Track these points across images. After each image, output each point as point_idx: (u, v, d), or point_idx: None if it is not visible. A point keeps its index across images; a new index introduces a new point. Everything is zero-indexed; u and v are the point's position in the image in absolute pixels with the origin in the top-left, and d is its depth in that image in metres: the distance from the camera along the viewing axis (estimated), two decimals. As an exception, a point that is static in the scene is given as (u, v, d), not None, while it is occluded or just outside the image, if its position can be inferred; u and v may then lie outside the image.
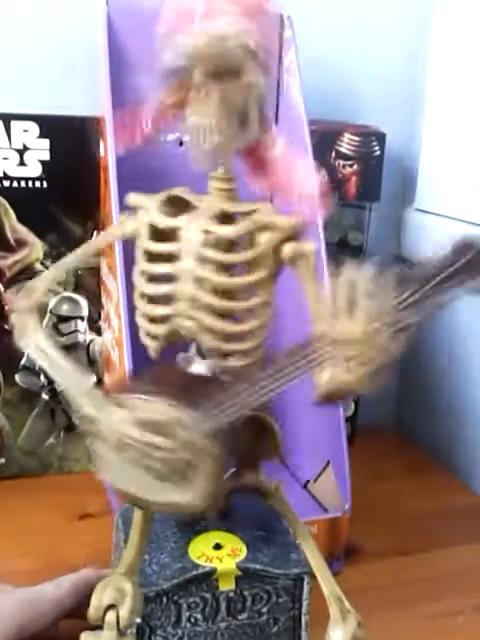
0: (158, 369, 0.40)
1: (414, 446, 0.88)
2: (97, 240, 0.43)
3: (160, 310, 0.39)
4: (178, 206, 0.39)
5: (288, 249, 0.38)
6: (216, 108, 0.36)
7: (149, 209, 0.39)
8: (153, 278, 0.39)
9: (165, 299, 0.39)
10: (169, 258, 0.39)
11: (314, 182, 0.39)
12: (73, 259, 0.43)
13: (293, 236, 0.39)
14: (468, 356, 0.80)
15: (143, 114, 0.39)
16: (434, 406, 0.86)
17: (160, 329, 0.39)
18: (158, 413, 0.35)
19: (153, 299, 0.40)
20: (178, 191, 0.40)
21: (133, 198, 0.41)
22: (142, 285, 0.40)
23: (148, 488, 0.36)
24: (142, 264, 0.40)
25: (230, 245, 0.39)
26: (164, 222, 0.39)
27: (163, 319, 0.39)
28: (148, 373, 0.40)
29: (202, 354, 0.40)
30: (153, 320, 0.40)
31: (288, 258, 0.38)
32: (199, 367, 0.40)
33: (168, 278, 0.39)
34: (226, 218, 0.39)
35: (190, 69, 0.36)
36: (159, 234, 0.39)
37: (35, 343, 0.40)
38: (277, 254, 0.39)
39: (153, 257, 0.39)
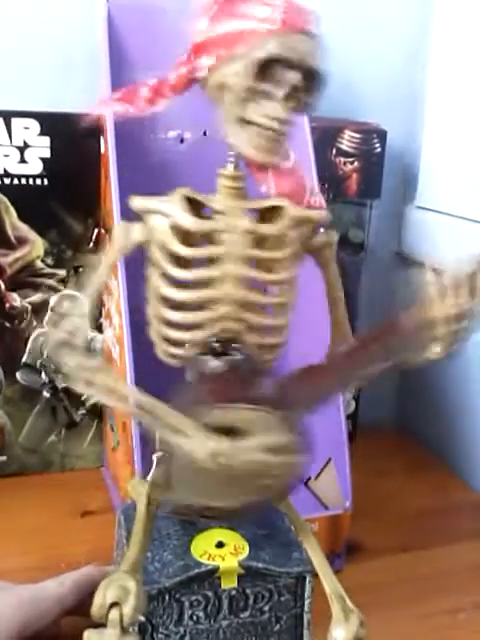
0: (198, 379, 0.40)
1: (414, 444, 0.88)
2: (108, 258, 0.40)
3: (198, 315, 0.38)
4: (190, 206, 0.39)
5: (317, 239, 0.40)
6: (291, 106, 0.37)
7: (168, 212, 0.38)
8: (186, 284, 0.38)
9: (203, 304, 0.38)
10: (205, 262, 0.38)
11: (318, 199, 0.41)
12: (95, 282, 0.40)
13: (317, 229, 0.40)
14: (468, 354, 0.80)
15: (144, 84, 0.39)
16: (434, 404, 0.86)
17: (194, 335, 0.39)
18: (274, 433, 0.37)
19: (188, 306, 0.38)
20: (186, 191, 0.39)
21: (139, 202, 0.39)
22: (171, 292, 0.38)
23: (233, 497, 0.37)
24: (169, 269, 0.38)
25: (266, 243, 0.39)
26: (197, 225, 0.38)
27: (201, 325, 0.38)
28: (192, 386, 0.40)
29: (214, 353, 0.40)
30: (186, 327, 0.38)
31: (317, 248, 0.40)
32: (215, 364, 0.40)
33: (202, 282, 0.38)
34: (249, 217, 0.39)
35: (279, 65, 0.36)
36: (186, 237, 0.38)
37: (109, 387, 0.37)
38: (305, 247, 0.40)
39: (183, 262, 0.38)
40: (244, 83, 0.36)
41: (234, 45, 0.36)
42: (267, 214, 0.39)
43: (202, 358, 0.40)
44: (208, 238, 0.38)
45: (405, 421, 0.92)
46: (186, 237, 0.38)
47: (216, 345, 0.40)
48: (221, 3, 0.37)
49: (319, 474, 0.64)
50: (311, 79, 0.37)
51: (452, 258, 0.38)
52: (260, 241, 0.38)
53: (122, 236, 0.40)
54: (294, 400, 0.38)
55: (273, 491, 0.38)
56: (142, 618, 0.39)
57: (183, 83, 0.39)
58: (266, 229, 0.38)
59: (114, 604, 0.36)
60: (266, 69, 0.36)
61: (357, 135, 0.76)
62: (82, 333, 0.39)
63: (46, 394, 0.73)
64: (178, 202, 0.38)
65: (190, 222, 0.38)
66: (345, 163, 0.76)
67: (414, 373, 0.89)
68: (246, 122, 0.37)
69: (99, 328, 0.72)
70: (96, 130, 0.66)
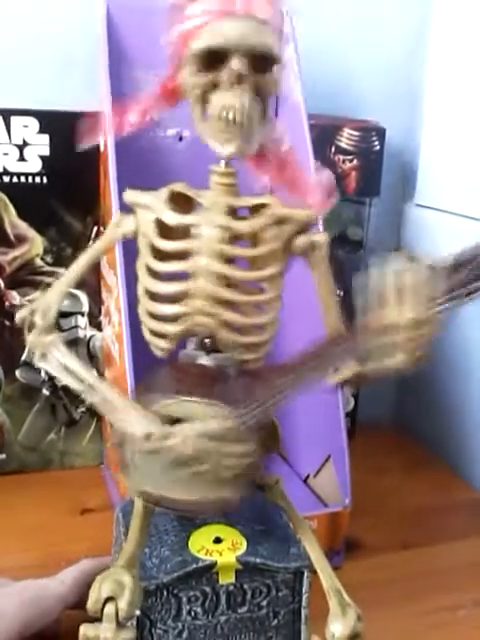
0: (170, 367, 0.41)
1: (413, 441, 0.88)
2: (98, 245, 0.42)
3: (173, 308, 0.39)
4: (181, 202, 0.39)
5: (301, 241, 0.39)
6: (248, 94, 0.36)
7: (153, 206, 0.39)
8: (164, 276, 0.39)
9: (178, 297, 0.39)
10: (181, 255, 0.38)
11: (325, 177, 0.40)
12: (78, 269, 0.41)
13: (306, 228, 0.39)
14: (467, 351, 0.80)
15: (136, 102, 0.39)
16: (433, 401, 0.86)
17: (173, 328, 0.39)
18: (215, 421, 0.36)
19: (165, 298, 0.39)
20: (178, 187, 0.39)
21: (131, 195, 0.40)
22: (151, 284, 0.39)
23: (189, 490, 0.37)
24: (150, 262, 0.39)
25: (239, 240, 0.39)
26: (175, 219, 0.38)
27: (176, 317, 0.39)
28: (163, 371, 0.40)
29: (205, 349, 0.40)
30: (164, 319, 0.39)
31: (301, 250, 0.39)
32: (203, 362, 0.40)
33: (180, 276, 0.39)
34: (234, 213, 0.39)
35: (225, 54, 0.35)
36: (168, 231, 0.39)
37: (60, 363, 0.39)
38: (289, 247, 0.39)
39: (163, 255, 0.39)
40: (194, 81, 0.37)
41: (184, 47, 0.36)
42: (255, 211, 0.39)
43: (192, 354, 0.41)
44: (187, 233, 0.38)
45: (404, 418, 0.92)
46: (167, 231, 0.39)
47: (207, 341, 0.40)
48: (176, 8, 0.37)
49: (318, 471, 0.64)
50: (261, 60, 0.36)
51: (419, 259, 0.36)
52: (236, 238, 0.38)
53: (113, 226, 0.41)
54: (251, 398, 0.38)
55: (225, 488, 0.38)
56: (138, 612, 0.39)
57: (167, 97, 0.39)
58: (240, 225, 0.38)
59: (109, 599, 0.36)
60: (210, 62, 0.36)
61: (356, 133, 0.76)
62: (47, 312, 0.40)
63: (45, 392, 0.73)
64: (164, 197, 0.39)
65: (169, 217, 0.38)
66: (344, 161, 0.76)
67: (412, 371, 0.89)
68: (206, 118, 0.37)
69: (98, 326, 0.72)
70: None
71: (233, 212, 0.39)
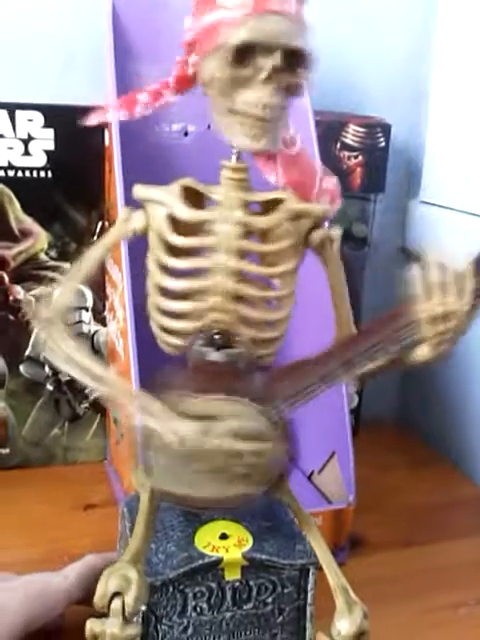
0: (183, 365, 0.40)
1: (417, 439, 0.88)
2: (107, 240, 0.41)
3: (188, 305, 0.39)
4: (191, 197, 0.39)
5: (317, 235, 0.39)
6: (281, 92, 0.36)
7: (166, 202, 0.38)
8: (180, 273, 0.39)
9: (192, 294, 0.38)
10: (197, 251, 0.38)
11: (331, 180, 0.40)
12: (87, 264, 0.41)
13: (321, 223, 0.40)
14: (469, 349, 0.80)
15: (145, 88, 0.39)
16: (436, 399, 0.86)
17: (188, 325, 0.39)
18: (245, 420, 0.36)
19: (178, 294, 0.39)
20: (188, 182, 0.39)
21: (141, 191, 0.40)
22: (164, 280, 0.39)
23: (210, 487, 0.37)
24: (163, 258, 0.39)
25: (261, 235, 0.39)
26: (190, 215, 0.38)
27: (191, 314, 0.39)
28: (177, 370, 0.40)
29: (215, 345, 0.40)
30: (179, 316, 0.39)
31: (317, 243, 0.39)
32: (215, 356, 0.40)
33: (193, 272, 0.38)
34: (247, 208, 0.39)
35: (255, 50, 0.35)
36: (180, 227, 0.38)
37: (65, 355, 0.39)
38: (305, 242, 0.39)
39: (177, 251, 0.38)
40: (224, 74, 0.36)
41: (213, 38, 0.36)
42: (269, 206, 0.39)
43: (202, 350, 0.40)
44: (202, 229, 0.38)
45: (407, 416, 0.92)
46: (181, 227, 0.38)
47: (217, 337, 0.40)
48: None
49: (322, 468, 0.64)
50: (293, 59, 0.36)
51: (445, 255, 0.37)
52: (253, 233, 0.38)
53: (122, 221, 0.40)
54: (278, 395, 0.38)
55: (250, 484, 0.38)
56: (144, 608, 0.39)
57: (181, 83, 0.39)
58: (258, 221, 0.38)
59: (116, 594, 0.36)
60: (244, 56, 0.36)
61: (361, 129, 0.76)
62: (58, 307, 0.40)
63: (49, 387, 0.73)
64: (176, 192, 0.38)
65: (183, 212, 0.38)
66: (349, 157, 0.76)
67: (417, 368, 0.89)
68: (233, 112, 0.37)
69: (102, 321, 0.72)
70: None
71: (246, 207, 0.39)
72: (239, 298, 0.38)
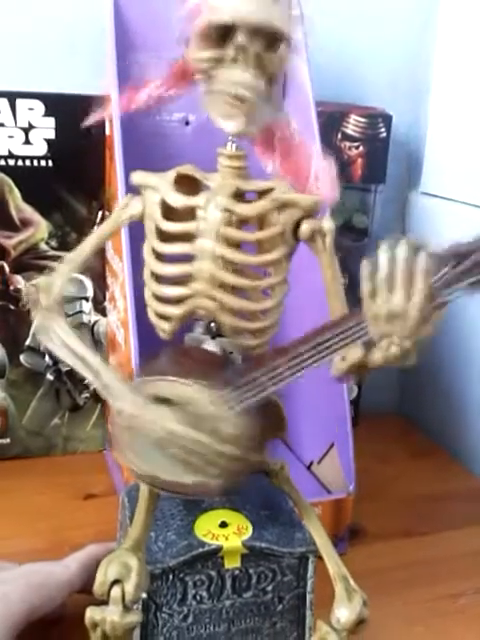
0: (173, 350, 0.40)
1: (416, 430, 0.88)
2: (105, 226, 0.41)
3: (176, 290, 0.39)
4: (187, 184, 0.39)
5: (307, 226, 0.39)
6: (252, 71, 0.35)
7: (159, 188, 0.39)
8: (168, 258, 0.39)
9: (181, 279, 0.39)
10: (185, 237, 0.38)
11: (328, 165, 0.39)
12: (85, 250, 0.41)
13: (311, 214, 0.39)
14: (468, 341, 0.80)
15: (146, 82, 0.39)
16: (436, 390, 0.87)
17: (176, 310, 0.39)
18: (196, 403, 0.36)
19: (168, 279, 0.39)
20: (186, 169, 0.39)
21: (138, 177, 0.40)
22: (155, 265, 0.39)
23: (173, 471, 0.36)
24: (155, 244, 0.39)
25: (246, 223, 0.38)
26: (180, 201, 0.38)
27: (179, 299, 0.39)
28: (165, 354, 0.40)
29: (211, 333, 0.40)
30: (168, 301, 0.39)
31: (306, 235, 0.39)
32: (209, 346, 0.40)
33: (184, 258, 0.38)
34: (241, 196, 0.39)
35: (230, 29, 0.34)
36: (172, 213, 0.38)
37: (61, 341, 0.39)
38: (295, 232, 0.39)
39: (167, 237, 0.39)
40: (198, 56, 0.36)
41: (196, 20, 0.35)
42: (262, 195, 0.39)
43: (198, 337, 0.40)
44: (192, 215, 0.38)
45: (407, 406, 0.92)
46: (172, 213, 0.38)
47: (212, 325, 0.40)
48: None
49: (322, 458, 0.64)
50: (265, 38, 0.35)
51: (412, 246, 0.33)
52: (241, 221, 0.38)
53: (120, 208, 0.40)
54: (229, 385, 0.37)
55: (207, 475, 0.36)
56: (144, 595, 0.39)
57: (180, 77, 0.39)
58: (243, 208, 0.38)
59: (116, 581, 0.36)
60: (217, 38, 0.35)
61: (362, 119, 0.75)
62: (53, 293, 0.40)
63: (50, 377, 0.73)
64: (171, 178, 0.38)
65: (174, 198, 0.38)
66: (350, 148, 0.76)
67: (416, 359, 0.89)
68: (212, 93, 0.37)
69: (103, 311, 0.72)
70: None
71: (240, 195, 0.39)
72: (224, 285, 0.38)
